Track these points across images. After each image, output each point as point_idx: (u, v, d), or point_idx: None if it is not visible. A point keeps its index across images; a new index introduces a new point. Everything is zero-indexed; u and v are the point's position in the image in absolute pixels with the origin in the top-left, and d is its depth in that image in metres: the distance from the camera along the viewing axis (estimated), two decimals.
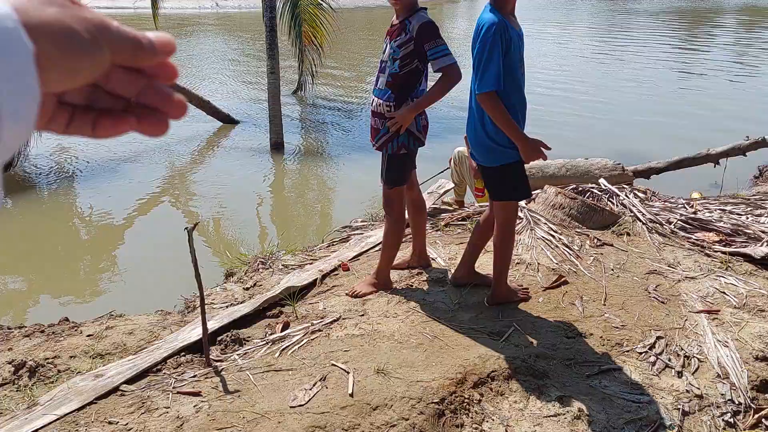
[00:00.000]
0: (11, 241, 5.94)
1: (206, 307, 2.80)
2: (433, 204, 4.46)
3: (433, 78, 2.97)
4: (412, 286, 3.21)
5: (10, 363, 2.63)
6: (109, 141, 8.79)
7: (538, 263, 3.39)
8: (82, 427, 2.16)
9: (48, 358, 2.65)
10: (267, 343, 2.71)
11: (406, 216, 3.21)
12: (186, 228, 2.43)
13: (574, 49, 18.08)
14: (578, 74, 14.05)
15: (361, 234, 3.99)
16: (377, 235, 3.85)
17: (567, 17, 28.62)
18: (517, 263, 3.39)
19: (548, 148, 2.70)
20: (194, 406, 2.26)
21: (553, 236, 3.69)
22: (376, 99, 3.00)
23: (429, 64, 2.91)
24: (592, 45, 19.05)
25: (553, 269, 3.34)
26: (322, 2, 11.07)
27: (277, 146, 8.72)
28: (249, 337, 2.81)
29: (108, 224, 6.34)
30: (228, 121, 10.09)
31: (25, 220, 6.54)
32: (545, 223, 3.85)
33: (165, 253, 5.09)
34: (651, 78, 13.64)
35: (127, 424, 2.18)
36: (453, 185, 5.00)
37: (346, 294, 3.13)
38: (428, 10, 2.97)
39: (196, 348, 2.69)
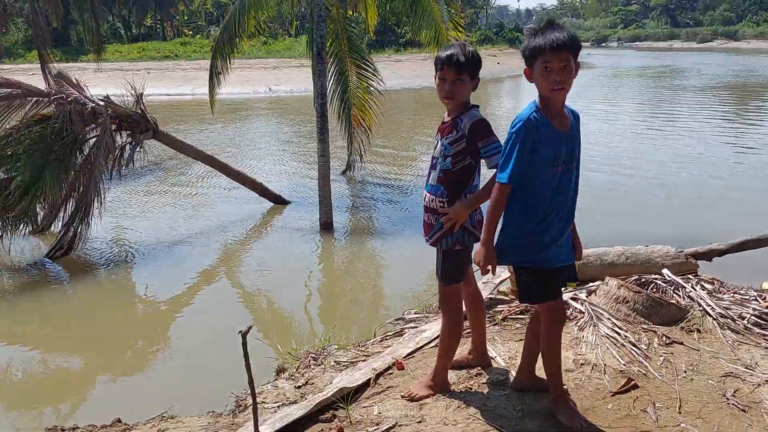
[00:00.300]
0: (67, 324, 6.04)
1: (258, 406, 2.72)
2: (489, 294, 4.33)
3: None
4: (471, 388, 3.06)
5: None
6: (165, 223, 9.01)
7: (605, 364, 3.21)
8: None
9: None
10: None
11: (464, 311, 3.12)
12: (240, 331, 2.39)
13: (622, 125, 18.00)
14: (629, 150, 13.92)
15: (416, 327, 3.89)
16: (433, 329, 3.74)
17: (614, 93, 28.71)
18: (582, 364, 3.21)
19: (489, 272, 2.70)
20: None
21: (618, 333, 3.51)
22: (428, 194, 2.99)
23: (482, 161, 2.90)
24: (641, 121, 18.96)
25: (620, 371, 3.15)
26: (370, 87, 11.41)
27: (326, 226, 8.80)
28: None
29: (160, 310, 6.40)
30: (279, 201, 10.29)
31: (81, 304, 6.67)
32: (608, 318, 3.68)
33: (216, 343, 5.07)
34: (704, 153, 13.41)
35: None
36: (509, 274, 4.87)
37: (402, 396, 3.01)
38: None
39: None
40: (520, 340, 3.41)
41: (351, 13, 14.73)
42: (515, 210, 2.66)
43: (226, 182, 10.56)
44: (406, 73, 33.66)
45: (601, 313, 3.73)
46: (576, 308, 3.88)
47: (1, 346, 5.58)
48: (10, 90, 8.04)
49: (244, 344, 2.40)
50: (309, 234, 8.52)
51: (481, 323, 3.26)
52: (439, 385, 3.03)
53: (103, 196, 7.96)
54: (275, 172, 12.59)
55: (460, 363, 3.25)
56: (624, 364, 3.21)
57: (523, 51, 2.58)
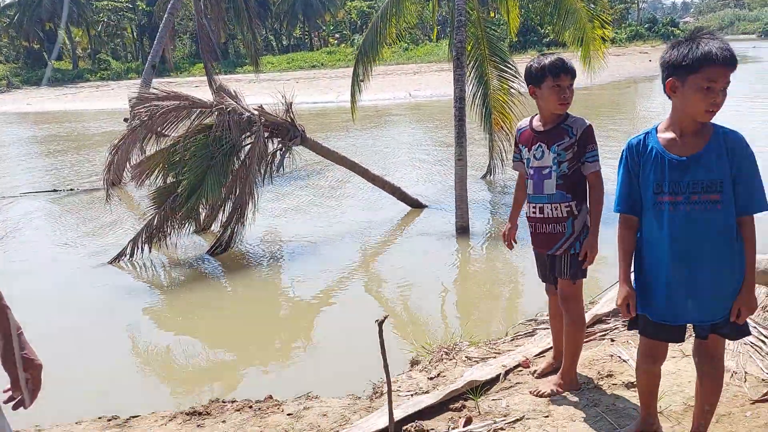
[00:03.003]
0: (224, 314, 6.67)
1: (392, 395, 2.93)
2: None
3: None
4: (601, 388, 3.08)
5: None
6: (311, 225, 9.57)
7: (746, 372, 3.09)
8: None
9: None
10: None
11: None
12: (377, 320, 2.61)
13: None
14: None
15: (547, 329, 3.93)
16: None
17: None
18: None
19: (630, 315, 2.38)
20: None
21: (764, 342, 3.34)
22: (546, 205, 3.04)
23: (582, 165, 2.99)
24: None
25: (763, 380, 3.02)
26: (511, 89, 11.35)
27: (462, 230, 8.91)
28: (432, 429, 2.88)
29: (305, 304, 6.88)
30: (416, 205, 10.55)
31: (236, 296, 7.33)
32: (755, 327, 3.51)
33: (355, 336, 5.39)
34: None
35: None
36: None
37: (530, 392, 3.09)
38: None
39: None
40: None
41: (493, 15, 14.75)
42: None
43: (367, 186, 11.00)
44: None
45: (747, 322, 3.56)
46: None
47: (167, 332, 6.31)
48: (179, 102, 8.99)
49: (380, 332, 2.62)
50: (445, 238, 8.69)
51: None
52: (568, 383, 3.08)
53: (256, 199, 8.64)
54: (413, 176, 12.90)
55: (545, 371, 3.31)
56: (767, 374, 3.07)
57: (671, 61, 2.18)
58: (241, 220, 8.53)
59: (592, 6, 11.58)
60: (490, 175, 11.91)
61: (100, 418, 3.35)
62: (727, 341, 2.44)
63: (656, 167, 2.27)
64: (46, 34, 55.74)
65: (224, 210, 8.78)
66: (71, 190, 13.38)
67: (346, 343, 5.33)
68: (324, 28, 63.14)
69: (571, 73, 3.00)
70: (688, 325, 2.44)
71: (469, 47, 11.14)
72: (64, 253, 8.92)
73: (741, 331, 2.36)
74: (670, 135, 2.28)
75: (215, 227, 9.01)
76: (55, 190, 13.34)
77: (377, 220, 9.92)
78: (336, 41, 60.56)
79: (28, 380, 1.59)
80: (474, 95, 11.06)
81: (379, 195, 10.68)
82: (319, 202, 11.46)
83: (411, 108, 27.57)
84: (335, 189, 12.29)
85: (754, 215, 2.24)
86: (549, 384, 3.12)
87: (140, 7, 54.33)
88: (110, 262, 8.13)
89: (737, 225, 2.23)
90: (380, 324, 2.63)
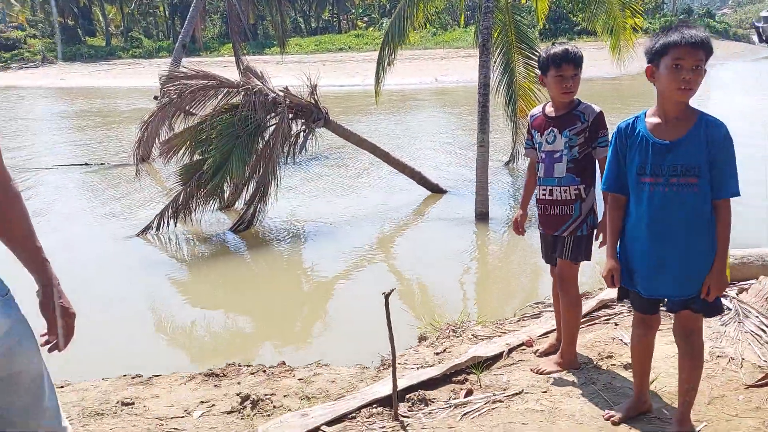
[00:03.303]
0: (245, 289, 6.88)
1: (398, 366, 3.09)
2: None
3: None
4: (600, 368, 3.20)
5: (238, 395, 3.15)
6: (331, 206, 9.76)
7: (743, 358, 3.18)
8: None
9: (267, 395, 3.12)
10: (450, 406, 2.91)
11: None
12: (384, 293, 2.76)
13: None
14: None
15: (554, 311, 4.04)
16: None
17: None
18: (718, 356, 3.21)
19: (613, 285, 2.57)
20: None
21: (764, 331, 3.43)
22: (557, 188, 3.16)
23: (594, 150, 3.12)
24: None
25: (759, 366, 3.11)
26: (537, 77, 11.32)
27: (481, 216, 8.98)
28: (434, 398, 3.02)
29: (322, 280, 7.07)
30: (436, 190, 10.64)
31: (256, 271, 7.54)
32: (756, 317, 3.59)
33: (367, 312, 5.55)
34: None
35: None
36: None
37: (531, 369, 3.22)
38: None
39: (386, 402, 2.96)
40: None
41: (524, 1, 14.66)
42: None
43: (388, 170, 11.12)
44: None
45: (749, 311, 3.64)
46: (724, 305, 3.82)
47: (188, 302, 6.55)
48: (207, 81, 9.18)
49: (387, 304, 2.77)
50: (464, 223, 8.78)
51: None
52: (567, 362, 3.20)
53: (279, 179, 8.82)
54: (435, 162, 12.97)
55: (548, 351, 3.43)
56: (764, 361, 3.16)
57: (648, 49, 2.37)
58: (264, 199, 8.72)
59: None
60: (513, 162, 11.94)
61: (124, 375, 3.56)
62: (707, 322, 2.57)
63: (641, 150, 2.42)
64: (80, 11, 56.49)
65: (248, 188, 8.99)
66: (102, 164, 13.72)
67: (359, 318, 5.49)
68: (353, 11, 62.99)
69: (575, 62, 3.08)
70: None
71: (496, 34, 11.13)
72: (96, 225, 9.23)
73: (712, 309, 2.48)
74: (657, 120, 2.43)
75: (238, 205, 9.22)
76: (87, 164, 13.68)
77: (396, 203, 10.05)
78: (364, 24, 60.40)
79: (63, 327, 1.78)
80: (499, 82, 11.07)
81: (400, 179, 10.78)
82: (339, 183, 11.61)
83: (437, 93, 27.54)
84: (356, 171, 12.44)
85: (735, 202, 2.37)
86: (549, 362, 3.24)
87: None
88: (138, 235, 8.39)
89: (713, 208, 2.36)
90: (387, 296, 2.78)
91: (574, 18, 40.58)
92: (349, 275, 7.13)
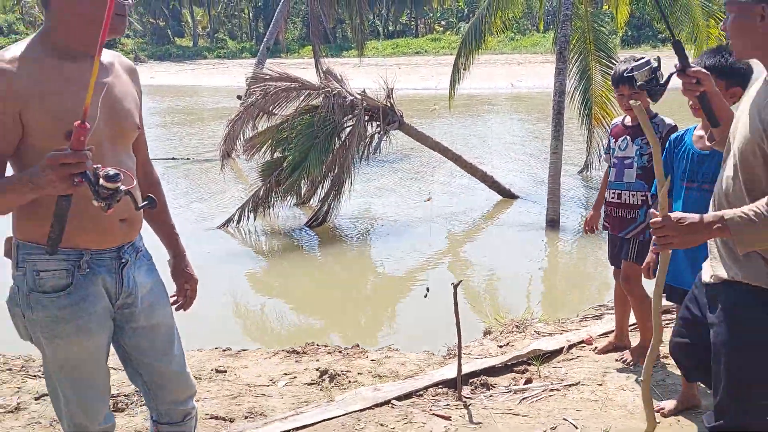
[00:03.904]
0: (319, 280, 7.30)
1: (463, 356, 3.36)
2: None
3: None
4: (655, 365, 3.36)
5: (317, 369, 3.50)
6: (402, 206, 10.10)
7: None
8: (361, 423, 2.85)
9: (342, 371, 3.45)
10: (510, 392, 3.15)
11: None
12: (452, 283, 3.03)
13: None
14: None
15: (615, 312, 4.20)
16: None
17: None
18: None
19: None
20: (444, 427, 2.81)
21: None
22: (624, 191, 3.39)
23: None
24: None
25: None
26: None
27: (552, 223, 9.08)
28: (495, 384, 3.28)
29: (392, 275, 7.40)
30: (508, 195, 10.77)
31: (329, 266, 7.95)
32: None
33: (435, 306, 5.82)
34: None
35: (393, 428, 2.80)
36: None
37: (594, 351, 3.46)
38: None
39: (451, 384, 3.24)
40: None
41: (607, 7, 14.56)
42: None
43: (459, 173, 11.34)
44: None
45: None
46: None
47: (267, 291, 7.02)
48: (289, 83, 9.68)
49: (455, 293, 3.05)
50: (534, 229, 8.91)
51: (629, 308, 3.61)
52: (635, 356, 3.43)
53: (353, 178, 9.21)
54: (507, 166, 13.10)
55: (606, 349, 3.61)
56: None
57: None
58: (338, 197, 9.12)
59: (709, 4, 11.31)
60: (586, 170, 11.90)
61: (216, 348, 3.98)
62: None
63: (684, 158, 2.75)
64: (170, 13, 59.28)
65: (323, 186, 9.40)
66: (188, 158, 14.55)
67: (427, 310, 5.73)
68: (430, 14, 63.28)
69: (629, 83, 3.24)
70: None
71: (574, 41, 11.18)
72: (181, 216, 9.88)
73: None
74: (701, 133, 2.70)
75: (314, 201, 9.66)
76: (173, 158, 14.55)
77: (467, 206, 10.26)
78: (441, 28, 60.56)
79: (188, 290, 2.17)
80: (575, 89, 11.10)
81: (471, 182, 10.98)
82: (411, 185, 11.92)
83: (511, 98, 27.46)
84: (427, 173, 12.71)
85: None
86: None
87: None
88: (219, 227, 8.95)
89: None
90: (455, 286, 3.06)
91: (658, 25, 39.56)
92: (418, 271, 7.42)
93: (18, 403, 3.16)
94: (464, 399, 3.06)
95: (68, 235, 1.65)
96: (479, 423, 2.85)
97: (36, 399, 3.22)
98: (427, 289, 3.07)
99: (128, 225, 1.87)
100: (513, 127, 19.46)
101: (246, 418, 2.97)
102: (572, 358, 3.58)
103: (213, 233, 8.77)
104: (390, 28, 63.04)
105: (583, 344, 3.74)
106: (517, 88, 30.84)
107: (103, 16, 1.50)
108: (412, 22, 64.72)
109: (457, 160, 10.95)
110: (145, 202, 1.73)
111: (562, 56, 9.88)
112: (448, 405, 3.01)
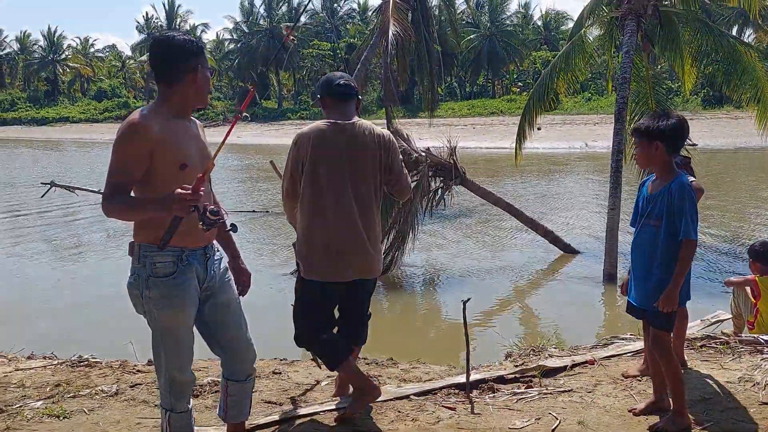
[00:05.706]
0: (381, 324, 8.03)
1: (482, 370, 4.00)
2: (703, 329, 4.90)
3: None
4: (641, 380, 3.88)
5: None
6: (464, 258, 10.81)
7: (766, 383, 3.71)
8: (383, 410, 3.54)
9: (374, 376, 4.14)
10: (511, 394, 3.75)
11: None
12: (462, 300, 3.72)
13: None
14: None
15: (622, 341, 4.72)
16: (638, 345, 4.53)
17: None
18: (746, 381, 3.76)
19: None
20: (449, 415, 3.45)
21: None
22: None
23: None
24: None
25: None
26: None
27: (609, 277, 9.50)
28: (500, 389, 3.88)
29: (447, 319, 8.01)
30: (568, 250, 11.22)
31: (393, 311, 8.68)
32: None
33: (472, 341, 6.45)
34: None
35: (408, 414, 3.47)
36: (731, 316, 5.26)
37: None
38: None
39: (463, 387, 3.86)
40: (707, 362, 4.08)
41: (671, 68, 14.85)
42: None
43: (522, 228, 11.90)
44: (722, 132, 31.59)
45: None
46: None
47: None
48: None
49: (464, 309, 3.73)
50: (590, 283, 9.41)
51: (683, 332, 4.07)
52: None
53: (416, 230, 9.96)
54: (573, 222, 13.57)
55: (628, 372, 4.07)
56: None
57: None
58: (402, 247, 9.88)
59: None
60: None
61: (275, 358, 4.75)
62: None
63: (640, 203, 3.42)
64: (258, 77, 63.38)
65: (388, 237, 10.17)
66: (267, 212, 15.81)
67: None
68: (507, 76, 64.58)
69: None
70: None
71: (634, 103, 11.70)
72: (259, 262, 10.91)
73: (658, 324, 3.29)
74: (654, 178, 3.38)
75: None
76: (254, 211, 15.86)
77: (528, 259, 10.80)
78: (518, 90, 61.61)
79: (244, 280, 3.00)
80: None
81: (533, 237, 11.50)
82: (472, 238, 12.58)
83: (585, 158, 27.72)
84: (489, 228, 13.34)
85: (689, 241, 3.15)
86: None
87: (340, 55, 59.81)
88: (291, 273, 9.87)
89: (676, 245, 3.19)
90: (464, 302, 3.74)
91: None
92: (474, 316, 8.02)
93: (117, 390, 4.03)
94: (470, 397, 3.68)
95: (174, 238, 2.50)
96: (479, 413, 3.47)
97: (131, 387, 4.08)
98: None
99: (210, 233, 2.72)
100: (582, 186, 19.81)
101: (292, 403, 3.72)
102: (574, 374, 4.12)
103: (287, 278, 9.67)
104: (467, 89, 64.59)
105: (587, 364, 4.28)
106: (592, 147, 31.07)
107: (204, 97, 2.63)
108: (489, 84, 66.11)
109: (518, 215, 11.54)
110: (231, 227, 2.70)
111: (620, 117, 10.46)
112: (456, 401, 3.65)
